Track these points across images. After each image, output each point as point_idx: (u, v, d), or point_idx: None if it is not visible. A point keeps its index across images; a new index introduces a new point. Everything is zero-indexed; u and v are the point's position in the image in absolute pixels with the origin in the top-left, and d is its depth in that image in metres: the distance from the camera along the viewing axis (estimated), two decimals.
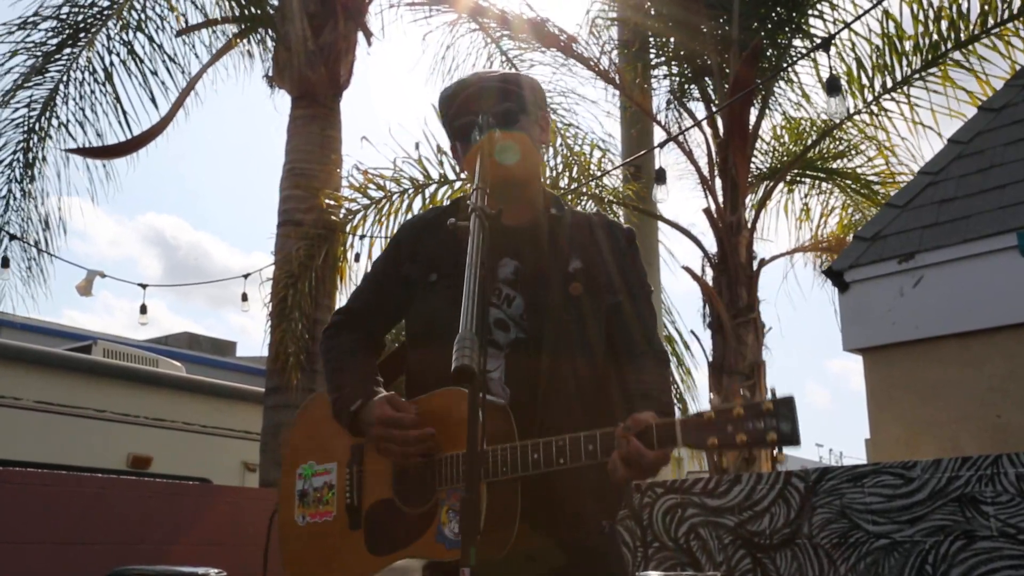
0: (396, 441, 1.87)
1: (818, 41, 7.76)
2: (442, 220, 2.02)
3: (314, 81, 8.33)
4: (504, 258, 1.99)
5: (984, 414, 5.25)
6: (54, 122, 8.95)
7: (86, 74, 8.88)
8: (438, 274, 2.02)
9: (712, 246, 7.68)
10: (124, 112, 8.94)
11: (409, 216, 7.66)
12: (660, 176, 6.77)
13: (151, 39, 8.99)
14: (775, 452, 1.47)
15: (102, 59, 8.88)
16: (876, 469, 4.25)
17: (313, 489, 2.09)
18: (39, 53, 8.77)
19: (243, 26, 9.45)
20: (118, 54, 8.89)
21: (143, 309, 9.75)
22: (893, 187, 8.72)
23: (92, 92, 8.89)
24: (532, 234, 2.03)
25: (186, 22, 9.20)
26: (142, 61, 8.93)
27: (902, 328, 5.64)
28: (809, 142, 8.73)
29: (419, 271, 2.06)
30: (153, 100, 8.99)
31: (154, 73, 9.01)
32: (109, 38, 8.88)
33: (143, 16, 8.94)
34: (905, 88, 7.12)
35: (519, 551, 1.81)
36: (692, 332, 7.19)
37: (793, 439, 1.52)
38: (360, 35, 8.88)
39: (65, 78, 8.86)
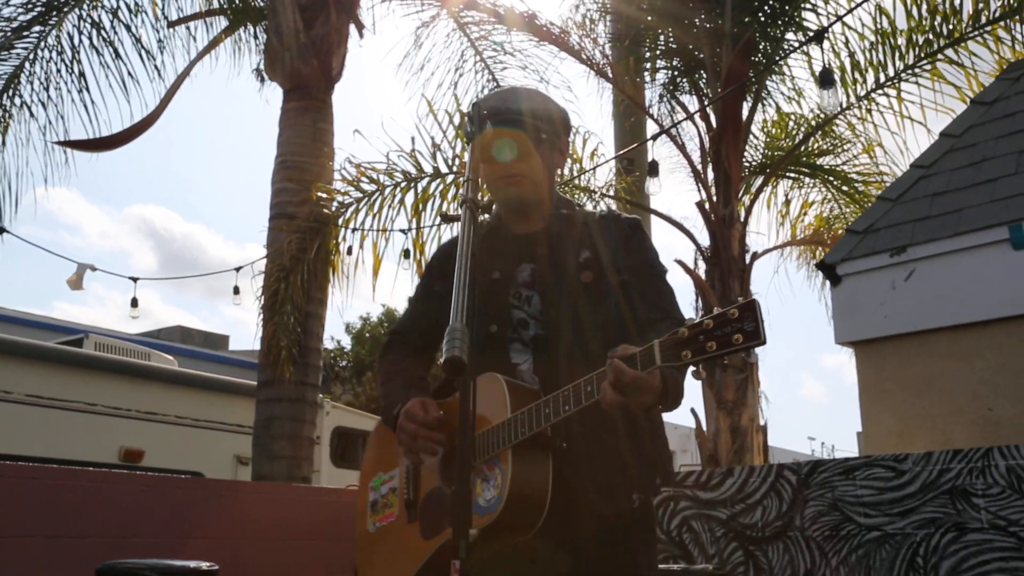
0: (408, 432, 2.02)
1: (811, 34, 7.77)
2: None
3: (306, 74, 8.31)
4: (521, 264, 2.15)
5: (975, 407, 5.26)
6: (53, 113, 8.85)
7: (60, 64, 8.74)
8: None
9: (705, 239, 7.69)
10: (127, 103, 8.89)
11: (401, 209, 7.70)
12: (653, 168, 6.77)
13: (135, 38, 8.92)
14: (746, 355, 1.59)
15: (76, 48, 8.77)
16: (868, 462, 4.26)
17: (381, 497, 2.26)
18: (8, 29, 8.58)
19: (235, 18, 9.41)
20: (112, 42, 8.81)
21: (134, 303, 9.72)
22: (876, 186, 8.78)
23: (74, 79, 8.78)
24: (544, 237, 2.17)
25: (180, 12, 9.16)
26: (118, 56, 8.83)
27: (894, 321, 5.65)
28: (798, 137, 8.74)
29: (447, 287, 2.16)
30: (152, 86, 8.94)
31: (138, 62, 8.95)
32: (100, 29, 8.81)
33: (135, 5, 8.87)
34: (896, 83, 7.12)
35: (521, 554, 1.93)
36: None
37: (756, 337, 1.58)
38: (352, 28, 8.86)
39: (37, 67, 8.70)
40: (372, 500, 2.29)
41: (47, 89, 8.78)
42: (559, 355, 2.03)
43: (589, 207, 2.35)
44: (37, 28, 8.73)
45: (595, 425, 1.95)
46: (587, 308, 2.06)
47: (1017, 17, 6.23)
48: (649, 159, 6.94)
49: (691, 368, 1.74)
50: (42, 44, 8.74)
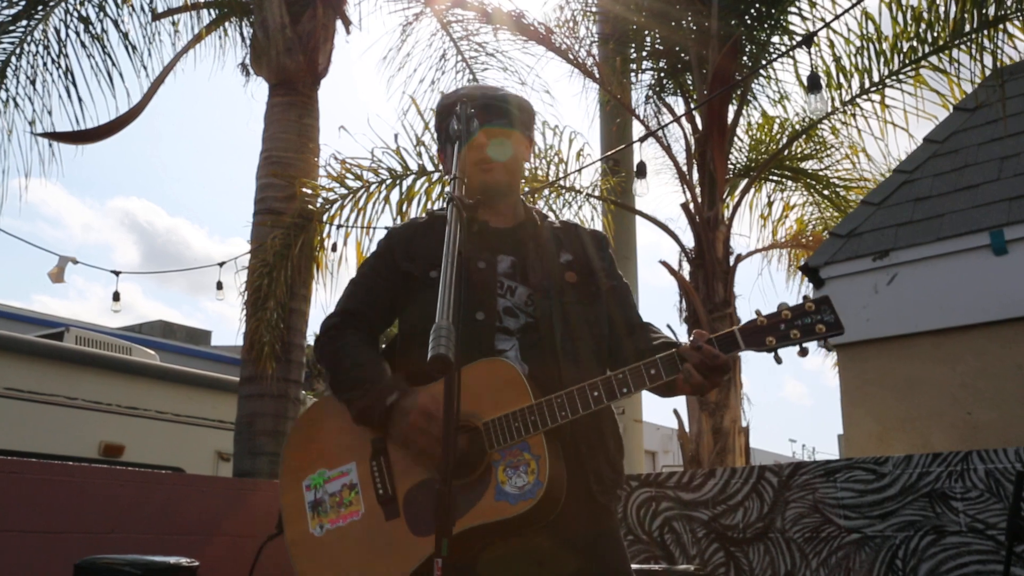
0: (430, 435, 1.90)
1: (797, 38, 7.80)
2: (433, 224, 2.21)
3: (292, 69, 8.26)
4: (499, 255, 2.15)
5: (955, 411, 5.31)
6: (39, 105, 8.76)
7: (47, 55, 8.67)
8: (438, 271, 2.05)
9: (689, 241, 7.70)
10: (112, 96, 8.81)
11: (386, 207, 7.68)
12: (641, 170, 6.77)
13: (123, 33, 8.84)
14: (824, 343, 1.80)
15: (63, 42, 8.71)
16: (849, 464, 4.29)
17: (329, 495, 2.05)
18: None
19: (220, 11, 9.35)
20: (98, 37, 8.75)
21: (116, 296, 9.65)
22: (857, 191, 8.84)
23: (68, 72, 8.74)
24: (522, 234, 2.21)
25: (166, 5, 9.11)
26: (104, 50, 8.76)
27: (876, 325, 5.69)
28: (782, 141, 8.77)
29: (419, 268, 2.15)
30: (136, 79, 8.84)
31: (123, 55, 8.88)
32: (88, 23, 8.74)
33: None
34: (881, 88, 7.15)
35: (529, 556, 1.90)
36: (668, 326, 7.17)
37: (838, 327, 1.76)
38: (339, 24, 8.83)
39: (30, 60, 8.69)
40: (313, 500, 2.06)
41: (33, 83, 8.70)
42: (553, 347, 2.04)
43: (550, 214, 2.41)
44: (23, 23, 8.65)
45: (597, 419, 2.00)
46: (576, 306, 2.12)
47: (1000, 26, 6.27)
48: (635, 160, 6.93)
49: (771, 352, 1.83)
50: (28, 39, 8.67)
